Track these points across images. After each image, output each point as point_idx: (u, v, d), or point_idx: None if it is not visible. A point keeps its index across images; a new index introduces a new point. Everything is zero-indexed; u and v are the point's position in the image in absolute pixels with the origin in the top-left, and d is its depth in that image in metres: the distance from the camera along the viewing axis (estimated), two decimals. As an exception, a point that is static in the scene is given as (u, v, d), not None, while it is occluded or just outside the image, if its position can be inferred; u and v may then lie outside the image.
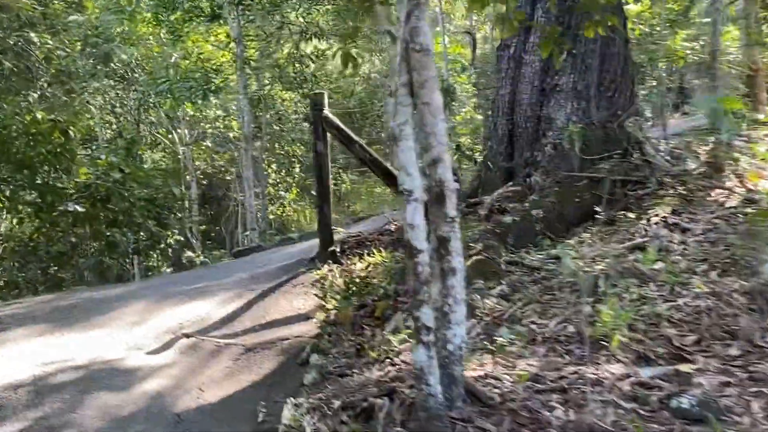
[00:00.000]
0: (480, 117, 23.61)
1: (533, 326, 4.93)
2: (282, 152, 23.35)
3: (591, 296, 5.09)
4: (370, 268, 7.55)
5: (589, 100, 8.24)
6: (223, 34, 17.68)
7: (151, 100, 19.01)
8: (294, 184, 23.97)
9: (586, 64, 8.26)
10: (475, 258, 6.10)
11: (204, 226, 23.58)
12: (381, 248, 7.91)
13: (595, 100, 8.28)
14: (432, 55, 4.01)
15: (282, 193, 24.17)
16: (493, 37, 24.07)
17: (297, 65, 16.57)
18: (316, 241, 10.15)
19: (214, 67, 16.49)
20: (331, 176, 8.27)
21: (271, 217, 21.84)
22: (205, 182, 25.18)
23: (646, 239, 5.99)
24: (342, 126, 8.02)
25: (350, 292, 6.50)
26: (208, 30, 16.69)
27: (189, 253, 18.84)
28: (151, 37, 18.87)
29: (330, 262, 7.87)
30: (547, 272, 5.85)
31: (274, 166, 23.88)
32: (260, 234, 16.40)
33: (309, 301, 7.23)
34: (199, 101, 16.45)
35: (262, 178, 19.01)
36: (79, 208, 10.76)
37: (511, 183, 8.05)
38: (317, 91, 8.10)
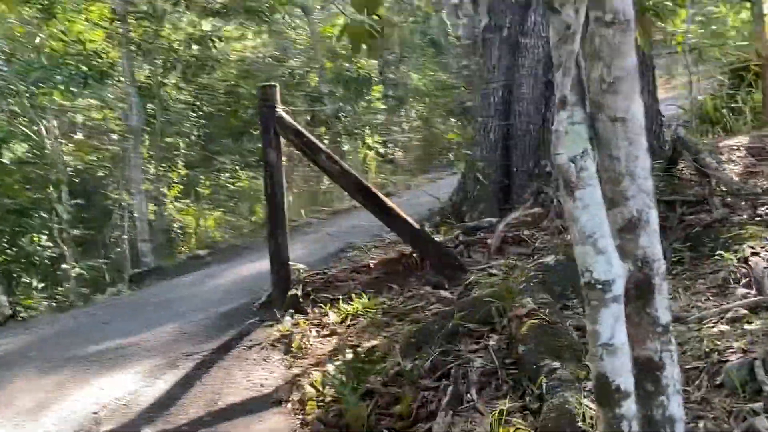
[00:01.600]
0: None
1: (687, 452, 3.23)
2: (164, 144, 20.80)
3: (753, 397, 3.44)
4: (349, 321, 5.67)
5: (606, 96, 6.63)
6: (98, 12, 15.11)
7: (12, 86, 16.29)
8: (175, 181, 21.49)
9: (600, 51, 6.65)
10: (529, 323, 4.35)
11: (77, 231, 20.69)
12: (359, 291, 6.02)
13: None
14: (633, 34, 2.21)
15: (163, 189, 21.65)
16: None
17: (196, 47, 14.25)
18: (250, 269, 8.14)
19: (96, 50, 13.91)
20: (285, 191, 6.26)
21: (152, 217, 19.36)
22: (77, 180, 22.21)
23: (757, 292, 4.41)
24: (302, 130, 6.08)
25: (351, 372, 4.57)
26: (84, 6, 14.06)
27: (63, 266, 16.22)
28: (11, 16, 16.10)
29: (292, 311, 5.92)
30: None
31: (153, 161, 21.32)
32: (154, 248, 14.04)
33: (273, 373, 5.27)
34: (74, 90, 13.92)
35: (152, 176, 16.52)
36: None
37: (528, 203, 6.24)
38: (268, 83, 6.10)
